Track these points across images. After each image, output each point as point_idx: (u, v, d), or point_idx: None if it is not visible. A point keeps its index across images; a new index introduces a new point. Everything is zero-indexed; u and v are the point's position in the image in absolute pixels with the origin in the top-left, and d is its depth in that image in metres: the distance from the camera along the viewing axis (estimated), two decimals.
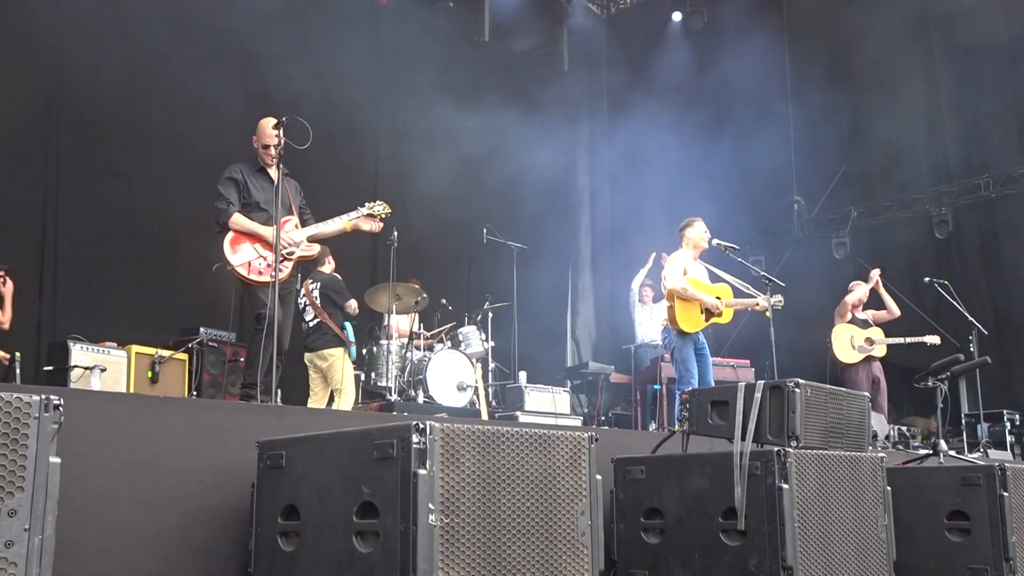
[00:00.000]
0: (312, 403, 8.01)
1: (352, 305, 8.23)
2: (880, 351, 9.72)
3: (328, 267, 8.49)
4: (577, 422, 9.63)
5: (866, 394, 4.71)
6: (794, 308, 8.54)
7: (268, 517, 3.50)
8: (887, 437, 9.69)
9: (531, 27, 14.13)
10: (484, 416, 8.54)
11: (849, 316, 9.86)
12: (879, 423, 9.82)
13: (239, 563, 3.71)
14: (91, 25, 9.34)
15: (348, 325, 8.14)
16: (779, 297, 8.05)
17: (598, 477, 3.45)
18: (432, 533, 2.92)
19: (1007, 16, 11.81)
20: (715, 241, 8.07)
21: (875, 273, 9.92)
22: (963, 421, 10.65)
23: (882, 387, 9.69)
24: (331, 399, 8.06)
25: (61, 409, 2.66)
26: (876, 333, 9.79)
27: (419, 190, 11.51)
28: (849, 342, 9.65)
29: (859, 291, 9.92)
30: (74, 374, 7.23)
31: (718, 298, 7.90)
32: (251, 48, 10.66)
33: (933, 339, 9.67)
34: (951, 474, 5.02)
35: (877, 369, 9.74)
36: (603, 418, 10.97)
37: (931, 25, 12.61)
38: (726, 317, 7.99)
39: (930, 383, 7.99)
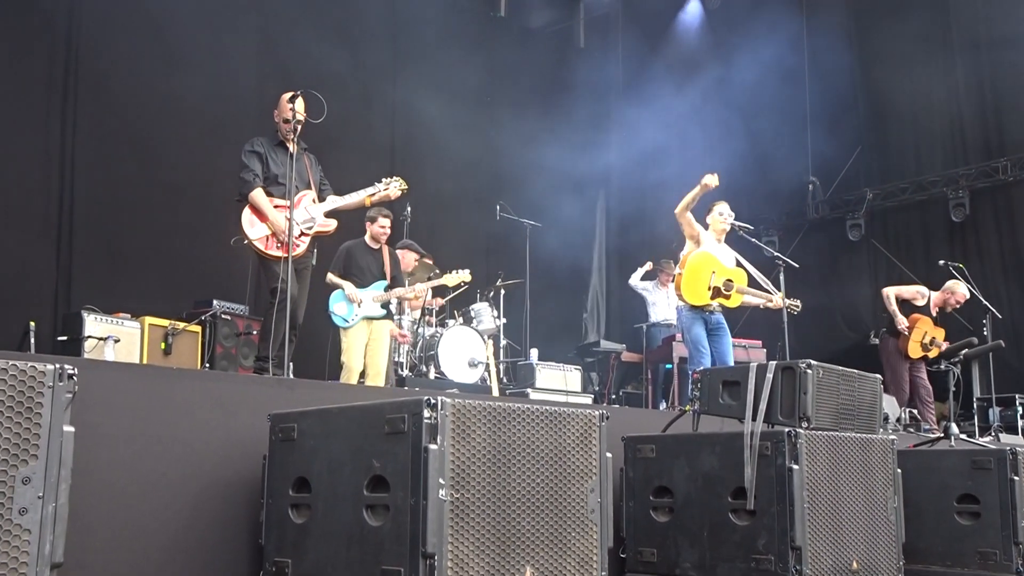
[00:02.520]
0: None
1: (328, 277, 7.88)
2: (934, 354, 9.58)
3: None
4: (588, 400, 9.63)
5: (878, 376, 4.69)
6: (809, 289, 8.49)
7: (279, 489, 3.52)
8: (898, 420, 9.67)
9: (547, 3, 14.02)
10: (495, 393, 8.55)
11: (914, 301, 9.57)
12: (890, 406, 9.78)
13: (250, 534, 3.74)
14: None
15: (333, 294, 7.83)
16: (796, 301, 7.92)
17: (608, 455, 3.46)
18: (442, 508, 2.94)
19: None
20: (730, 222, 7.99)
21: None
22: (975, 405, 10.62)
23: (924, 382, 9.52)
24: (362, 374, 7.90)
25: (75, 379, 2.68)
26: (941, 335, 9.52)
27: (434, 166, 11.49)
28: (922, 338, 9.38)
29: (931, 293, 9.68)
30: (88, 344, 7.27)
31: (729, 280, 7.74)
32: (270, 21, 10.64)
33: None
34: (962, 457, 5.02)
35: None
36: (614, 397, 10.98)
37: (951, 4, 12.48)
38: (733, 302, 7.79)
39: (943, 366, 7.95)
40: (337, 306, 7.79)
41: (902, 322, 9.36)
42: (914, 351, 9.31)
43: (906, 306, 9.47)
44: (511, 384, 9.60)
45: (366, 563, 3.07)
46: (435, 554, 2.89)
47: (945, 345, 9.31)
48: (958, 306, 9.55)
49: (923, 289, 9.58)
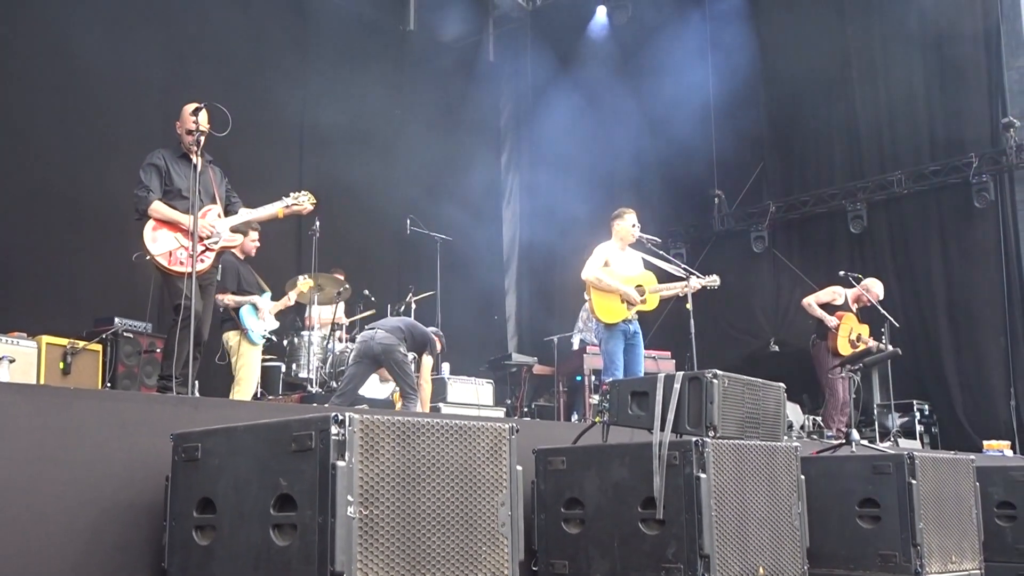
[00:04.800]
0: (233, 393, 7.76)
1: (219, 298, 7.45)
2: (862, 349, 9.70)
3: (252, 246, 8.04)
4: (500, 413, 9.65)
5: (782, 385, 4.79)
6: (715, 300, 8.65)
7: (183, 511, 3.43)
8: (802, 427, 9.91)
9: (457, 17, 14.07)
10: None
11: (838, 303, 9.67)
12: (795, 413, 10.02)
13: (153, 558, 3.63)
14: None
15: (244, 310, 7.64)
16: (714, 277, 8.07)
17: (518, 468, 3.45)
18: (351, 525, 2.89)
19: (919, 11, 12.14)
20: (637, 234, 8.10)
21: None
22: (875, 411, 10.94)
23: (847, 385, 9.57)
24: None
25: None
26: (865, 331, 9.67)
27: (343, 179, 11.39)
28: (848, 334, 9.50)
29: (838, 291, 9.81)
30: None
31: (639, 286, 7.86)
32: (174, 32, 10.43)
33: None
34: (862, 463, 5.15)
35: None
36: (526, 409, 11.01)
37: (847, 22, 12.92)
38: (651, 304, 7.94)
39: (843, 374, 8.16)
40: (251, 321, 7.67)
41: (830, 320, 9.49)
42: (843, 347, 9.41)
43: (826, 308, 9.65)
44: None
45: None
46: (344, 573, 2.85)
47: (871, 340, 9.54)
48: (867, 304, 9.75)
49: (837, 288, 9.77)
